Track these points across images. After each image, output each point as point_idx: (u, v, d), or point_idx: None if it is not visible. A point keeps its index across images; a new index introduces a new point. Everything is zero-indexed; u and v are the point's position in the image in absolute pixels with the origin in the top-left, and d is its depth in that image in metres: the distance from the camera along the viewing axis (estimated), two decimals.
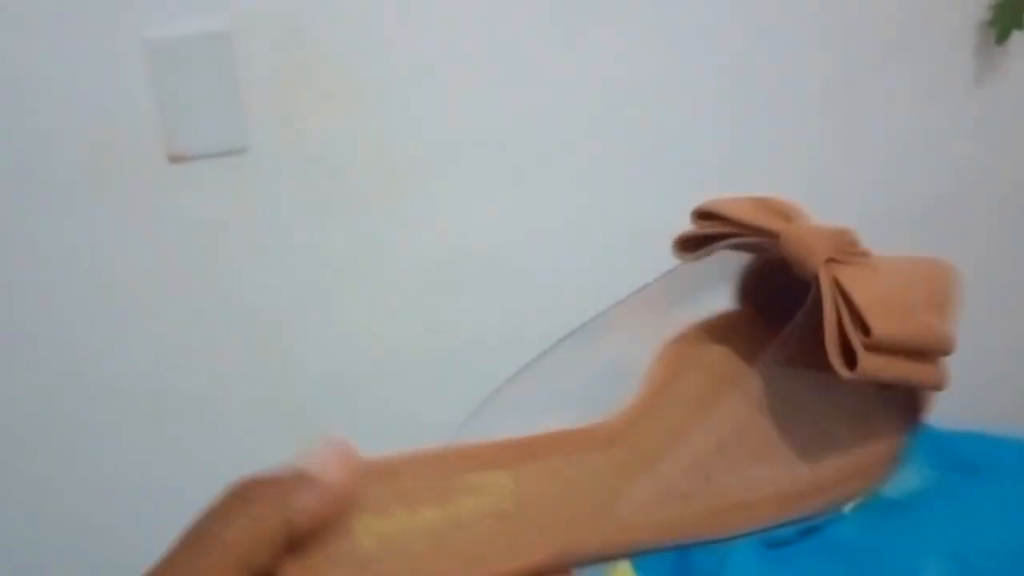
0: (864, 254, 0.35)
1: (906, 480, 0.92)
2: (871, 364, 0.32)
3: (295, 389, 0.93)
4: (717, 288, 0.41)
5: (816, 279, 0.33)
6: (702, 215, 0.38)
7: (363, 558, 0.28)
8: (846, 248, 0.35)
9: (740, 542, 0.81)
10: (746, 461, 0.34)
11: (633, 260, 0.99)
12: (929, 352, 0.34)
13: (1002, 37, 1.03)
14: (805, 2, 0.97)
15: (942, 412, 1.00)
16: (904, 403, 0.37)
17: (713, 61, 0.96)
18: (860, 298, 0.32)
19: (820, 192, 1.04)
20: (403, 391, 0.97)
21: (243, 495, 0.28)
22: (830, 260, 0.34)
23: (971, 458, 0.92)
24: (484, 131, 0.91)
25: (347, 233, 0.90)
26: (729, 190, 1.13)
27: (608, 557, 0.31)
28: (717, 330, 0.39)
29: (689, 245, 0.38)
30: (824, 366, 0.32)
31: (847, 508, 0.86)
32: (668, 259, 1.02)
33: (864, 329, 0.32)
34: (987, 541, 0.85)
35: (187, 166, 0.83)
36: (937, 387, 0.35)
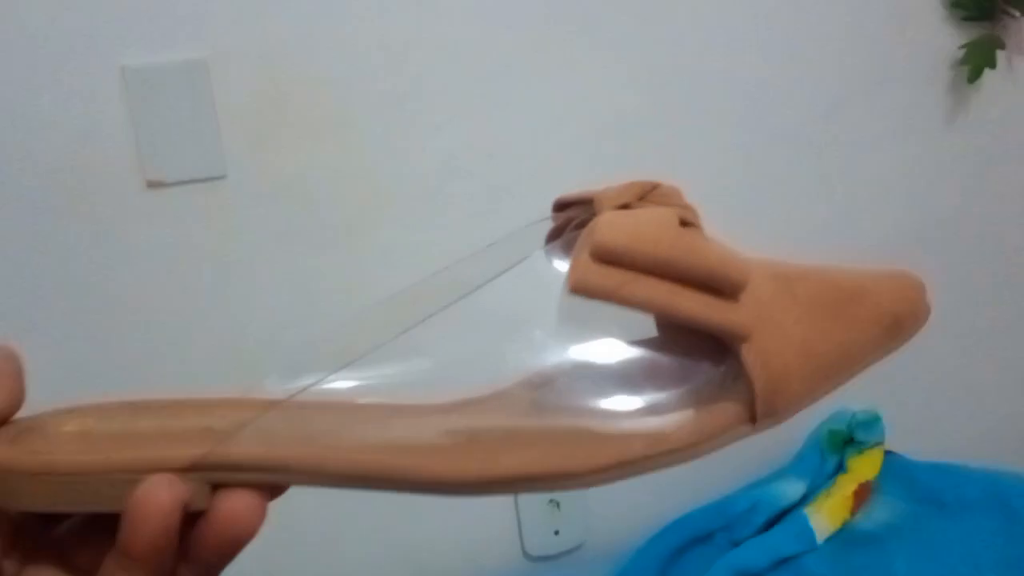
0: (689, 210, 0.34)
1: (878, 513, 0.92)
2: (592, 273, 0.31)
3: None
4: None
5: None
6: (560, 207, 0.38)
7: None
8: (652, 198, 0.34)
9: (714, 571, 0.81)
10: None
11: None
12: (694, 277, 0.32)
13: (974, 76, 1.04)
14: (779, 42, 0.99)
15: (914, 444, 1.01)
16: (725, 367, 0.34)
17: (691, 99, 0.97)
18: (606, 217, 0.32)
19: (792, 228, 1.05)
20: None
21: None
22: (623, 206, 0.33)
23: (942, 491, 0.93)
24: (460, 162, 0.92)
25: (322, 262, 0.90)
26: (705, 222, 1.13)
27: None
28: None
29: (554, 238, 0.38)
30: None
31: (819, 540, 0.86)
32: None
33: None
34: (955, 575, 0.85)
35: (164, 192, 0.83)
36: (730, 331, 0.32)
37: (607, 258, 0.31)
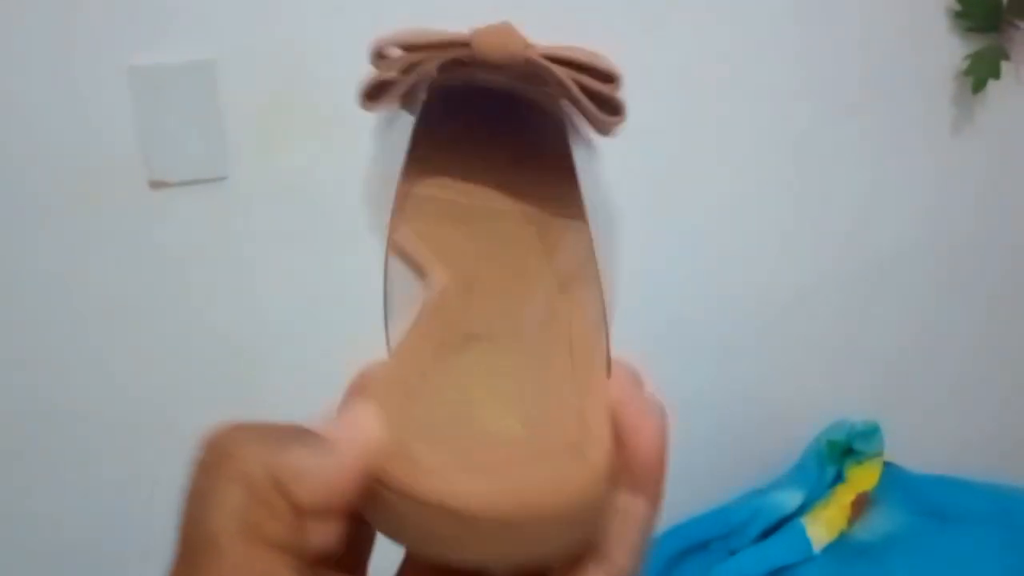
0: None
1: (878, 524, 0.92)
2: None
3: (269, 419, 0.93)
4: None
5: (530, 61, 0.33)
6: (381, 55, 0.36)
7: None
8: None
9: None
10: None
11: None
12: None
13: (978, 87, 1.04)
14: (781, 52, 0.99)
15: (914, 456, 1.00)
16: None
17: (689, 107, 0.97)
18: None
19: (796, 239, 1.06)
20: None
21: (223, 450, 0.25)
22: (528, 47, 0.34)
23: (943, 504, 0.93)
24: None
25: (323, 264, 0.91)
26: (702, 238, 1.13)
27: None
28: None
29: (378, 93, 0.36)
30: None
31: (816, 550, 0.86)
32: (655, 302, 1.02)
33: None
34: None
35: (167, 192, 0.83)
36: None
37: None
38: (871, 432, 0.93)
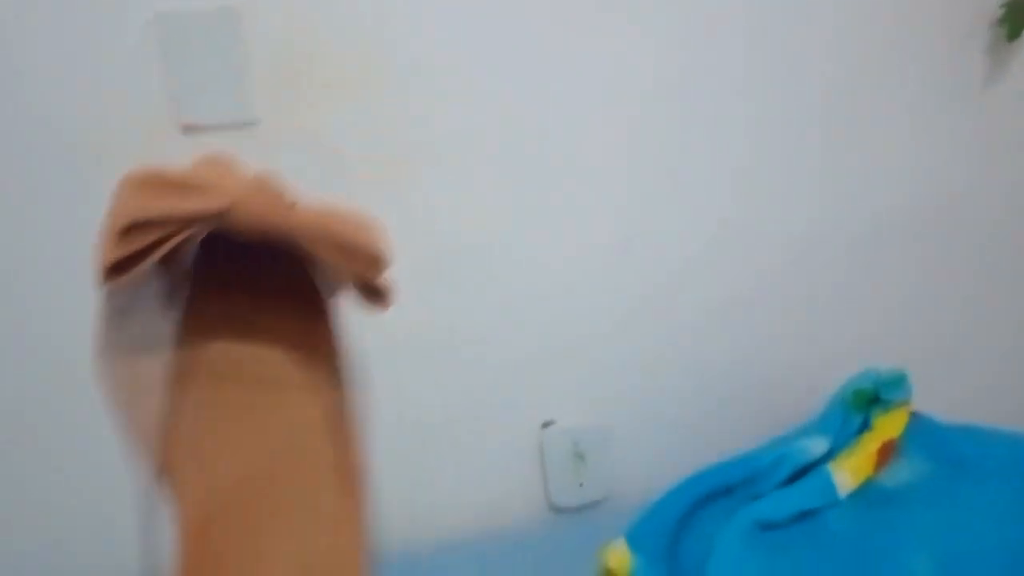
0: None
1: (904, 472, 0.92)
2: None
3: None
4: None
5: (291, 240, 0.34)
6: (125, 231, 0.34)
7: None
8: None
9: (734, 522, 0.81)
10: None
11: (632, 254, 1.00)
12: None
13: (1013, 35, 1.03)
14: (810, 3, 0.98)
15: (943, 408, 1.00)
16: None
17: (719, 62, 0.97)
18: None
19: (832, 194, 1.05)
20: (396, 378, 0.98)
21: None
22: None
23: (966, 453, 0.92)
24: (492, 117, 0.93)
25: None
26: (736, 187, 1.12)
27: None
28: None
29: (122, 269, 0.35)
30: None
31: (842, 495, 0.86)
32: (667, 254, 1.02)
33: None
34: (974, 539, 0.85)
35: (198, 137, 0.85)
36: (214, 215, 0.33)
37: None
38: (898, 380, 0.93)
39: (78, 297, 0.88)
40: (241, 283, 0.37)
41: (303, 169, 0.89)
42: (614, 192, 0.98)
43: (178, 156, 0.85)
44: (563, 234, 0.98)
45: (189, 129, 0.84)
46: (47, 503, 0.92)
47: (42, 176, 0.83)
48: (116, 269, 0.34)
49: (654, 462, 1.01)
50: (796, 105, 1.01)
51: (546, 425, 1.02)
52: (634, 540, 0.86)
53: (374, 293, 0.34)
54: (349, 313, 0.40)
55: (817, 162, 1.03)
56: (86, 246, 0.85)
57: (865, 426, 0.93)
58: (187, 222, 0.34)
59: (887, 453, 0.91)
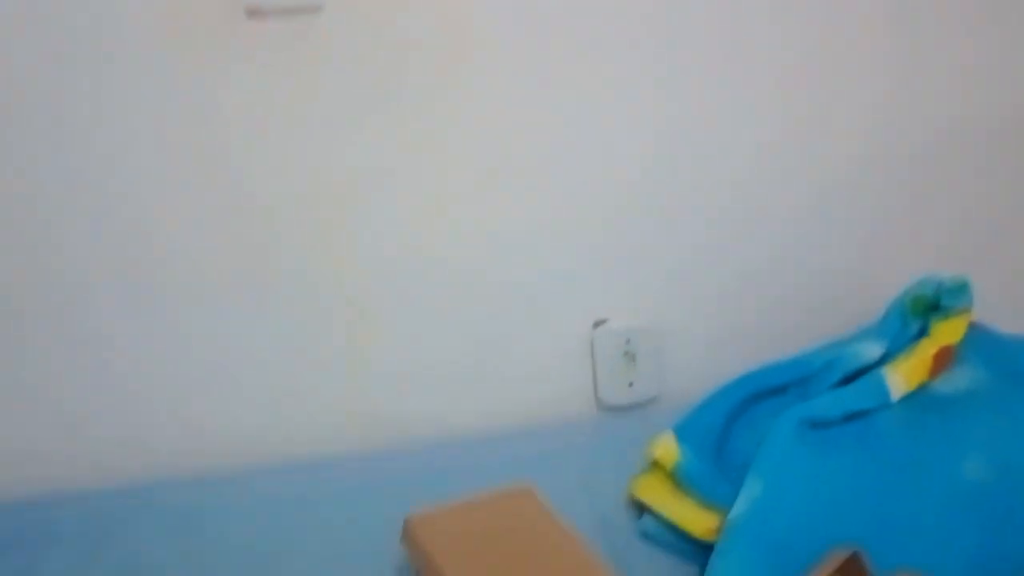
0: None
1: (957, 379, 0.91)
2: None
3: (345, 275, 0.96)
4: None
5: None
6: None
7: None
8: None
9: (784, 418, 0.81)
10: None
11: (673, 174, 0.99)
12: None
13: None
14: None
15: (1003, 319, 0.98)
16: None
17: None
18: None
19: (892, 113, 1.02)
20: (456, 277, 0.99)
21: None
22: None
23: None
24: (557, 16, 0.92)
25: (406, 112, 0.91)
26: (791, 105, 1.10)
27: None
28: None
29: None
30: None
31: (894, 398, 0.85)
32: (726, 163, 1.00)
33: None
34: None
35: (261, 23, 0.85)
36: None
37: None
38: (960, 288, 0.91)
39: (141, 166, 0.89)
40: None
41: (365, 56, 0.89)
42: (667, 99, 0.97)
43: (239, 40, 0.86)
44: (614, 142, 0.97)
45: (253, 13, 0.85)
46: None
47: (107, 58, 0.85)
48: None
49: (705, 364, 1.02)
50: (863, 9, 0.98)
51: (598, 324, 1.03)
52: (682, 433, 0.86)
53: None
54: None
55: (881, 71, 1.01)
56: (149, 127, 0.87)
57: (923, 333, 0.92)
58: None
59: (944, 360, 0.90)
